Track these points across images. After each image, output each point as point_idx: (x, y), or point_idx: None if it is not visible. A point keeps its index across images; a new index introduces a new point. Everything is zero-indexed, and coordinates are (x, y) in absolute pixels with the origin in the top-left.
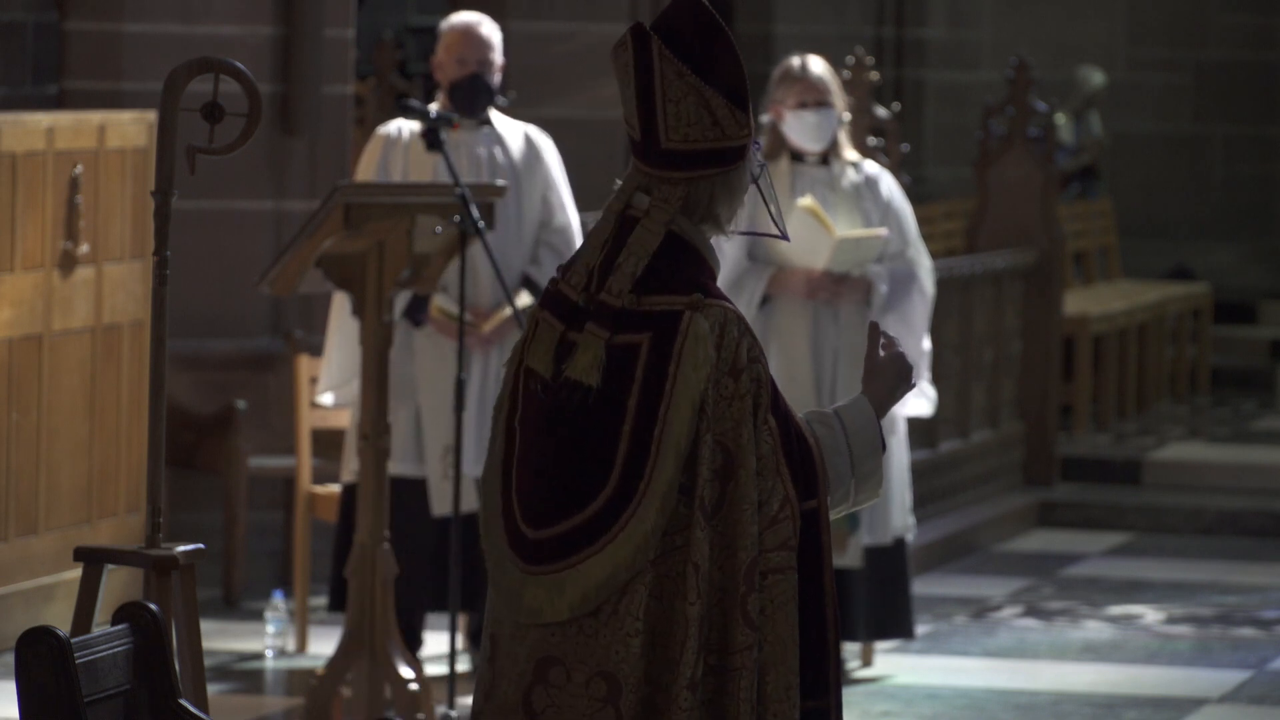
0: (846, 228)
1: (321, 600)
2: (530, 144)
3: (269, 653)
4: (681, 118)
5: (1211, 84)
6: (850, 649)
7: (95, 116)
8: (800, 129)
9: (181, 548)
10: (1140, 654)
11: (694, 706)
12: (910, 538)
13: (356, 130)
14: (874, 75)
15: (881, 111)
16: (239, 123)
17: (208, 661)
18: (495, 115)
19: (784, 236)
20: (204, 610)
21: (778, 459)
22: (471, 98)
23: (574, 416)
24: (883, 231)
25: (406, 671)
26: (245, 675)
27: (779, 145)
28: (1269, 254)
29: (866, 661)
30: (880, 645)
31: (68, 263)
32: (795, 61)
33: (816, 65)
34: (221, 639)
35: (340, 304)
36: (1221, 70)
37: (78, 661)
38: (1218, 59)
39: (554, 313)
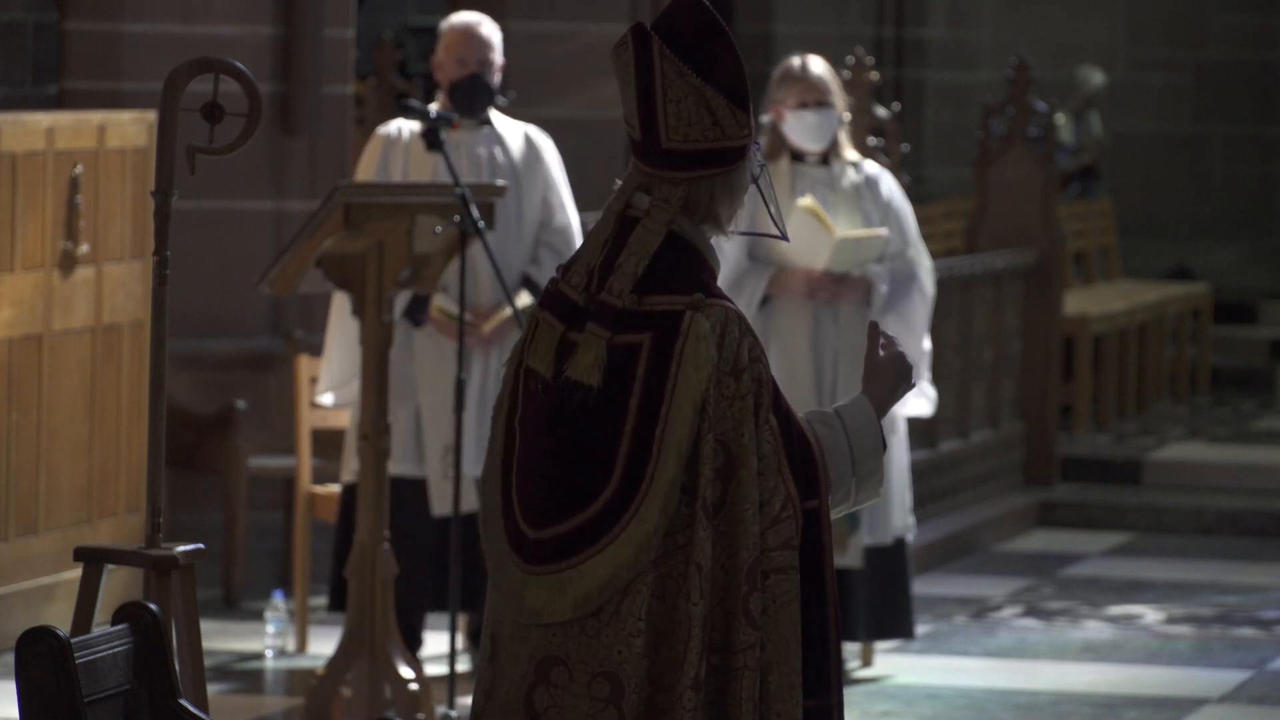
0: (847, 228)
1: (321, 600)
2: (530, 144)
3: (269, 653)
4: (682, 117)
5: (1211, 84)
6: (850, 649)
7: (95, 116)
8: (800, 129)
9: (181, 548)
10: (1140, 654)
11: (698, 706)
12: (910, 538)
13: (356, 130)
14: (874, 75)
15: (881, 111)
16: (239, 123)
17: (208, 661)
18: (495, 115)
19: (784, 237)
20: (204, 610)
21: (779, 458)
22: (471, 98)
23: (575, 416)
24: (883, 231)
25: (406, 671)
26: (245, 675)
27: (779, 145)
28: (1269, 254)
29: (866, 661)
30: (880, 645)
31: (68, 263)
32: (795, 61)
33: (817, 65)
34: (221, 639)
35: (340, 304)
36: (1221, 70)
37: (78, 661)
38: (1218, 59)
39: (554, 313)
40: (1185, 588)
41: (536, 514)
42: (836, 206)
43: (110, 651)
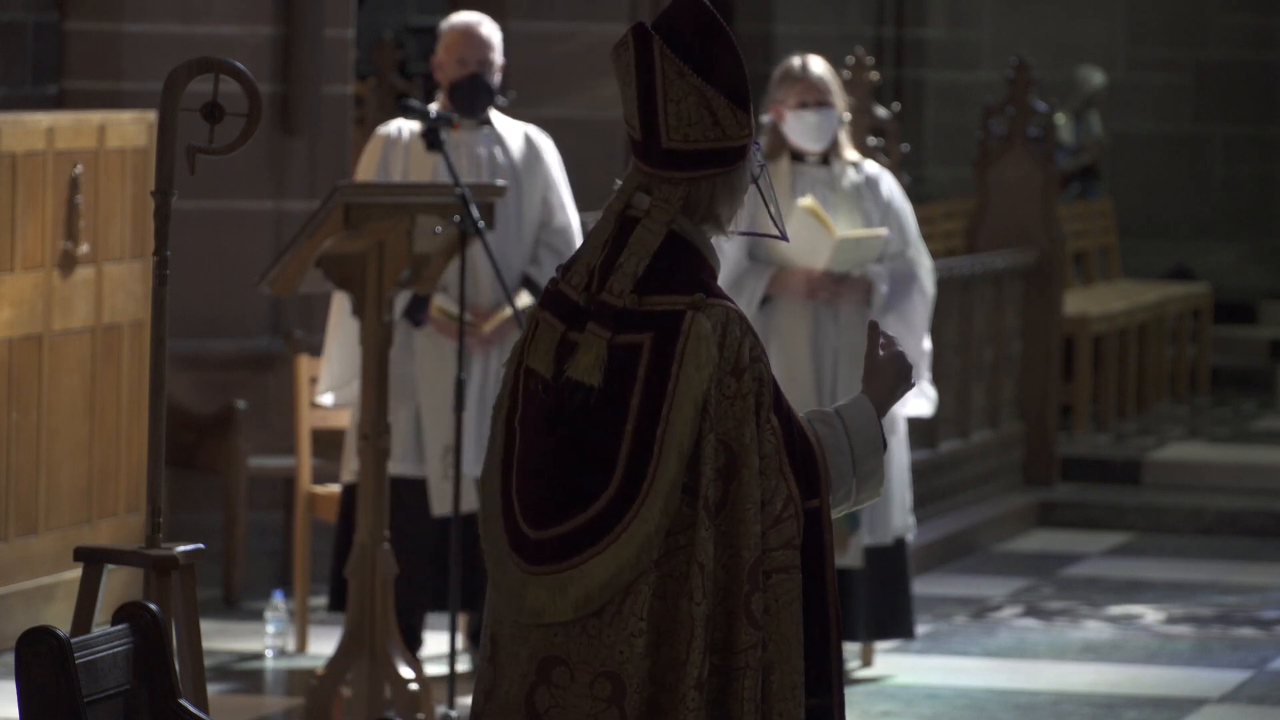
0: (847, 228)
1: (321, 600)
2: (530, 144)
3: (269, 653)
4: (682, 117)
5: (1211, 84)
6: (850, 649)
7: (95, 116)
8: (801, 129)
9: (181, 548)
10: (1140, 654)
11: (701, 706)
12: (910, 538)
13: (356, 130)
14: (874, 75)
15: (881, 111)
16: (239, 123)
17: (208, 661)
18: (495, 115)
19: (783, 237)
20: (204, 610)
21: (781, 458)
22: (471, 98)
23: (575, 416)
24: (883, 231)
25: (406, 671)
26: (245, 675)
27: (779, 145)
28: (1269, 254)
29: (866, 661)
30: (880, 645)
31: (68, 263)
32: (796, 61)
33: (817, 65)
34: (221, 639)
35: (340, 304)
36: (1221, 70)
37: (78, 661)
38: (1218, 59)
39: (554, 313)
40: (1185, 588)
41: (537, 514)
42: (837, 206)
43: (110, 651)
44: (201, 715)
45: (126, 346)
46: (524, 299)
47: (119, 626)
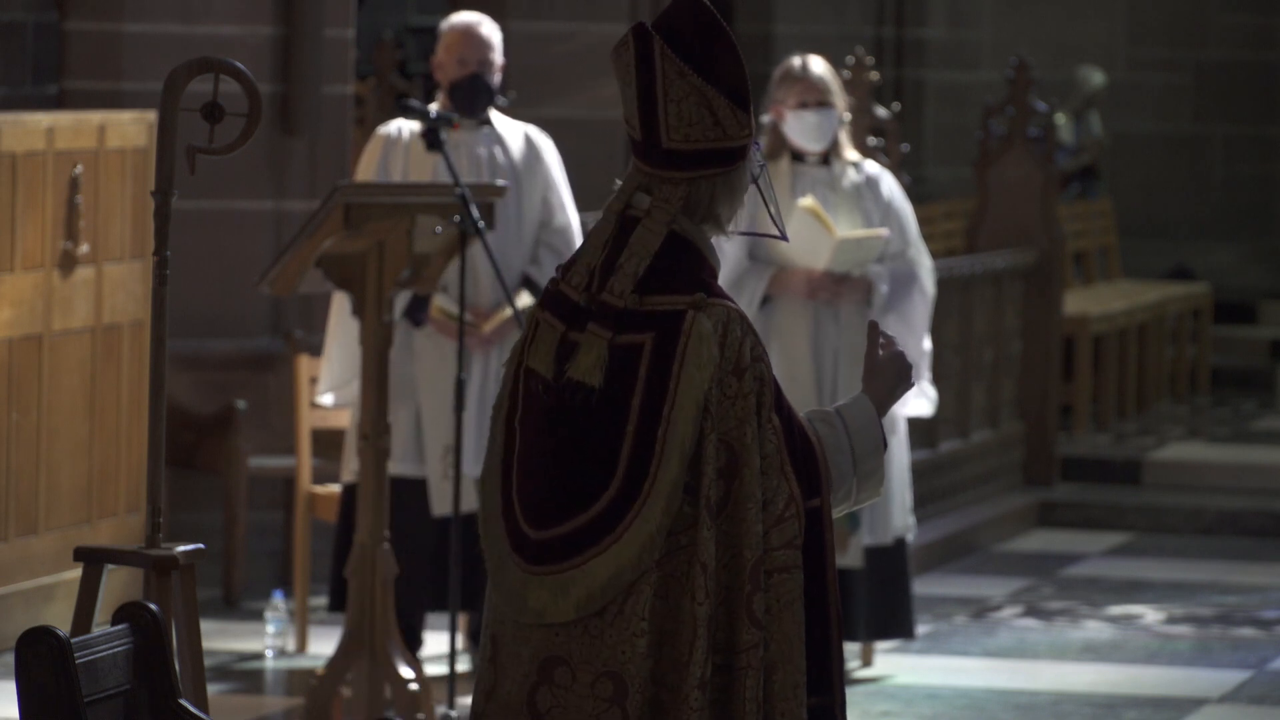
0: (847, 228)
1: (321, 600)
2: (530, 144)
3: (269, 653)
4: (683, 117)
5: (1211, 84)
6: (850, 649)
7: (95, 116)
8: (801, 129)
9: (181, 548)
10: (1140, 654)
11: (704, 706)
12: (910, 538)
13: (356, 130)
14: (874, 75)
15: (881, 111)
16: (239, 123)
17: (208, 661)
18: (495, 115)
19: (783, 237)
20: (204, 610)
21: (782, 458)
22: (471, 98)
23: (576, 417)
24: (883, 232)
25: (406, 671)
26: (245, 675)
27: (780, 145)
28: (1269, 254)
29: (866, 661)
30: (880, 645)
31: (68, 263)
32: (796, 61)
33: (817, 65)
34: (221, 639)
35: (340, 304)
36: (1221, 70)
37: (78, 661)
38: (1218, 59)
39: (555, 313)
40: (1185, 588)
41: (538, 514)
42: (837, 206)
43: (110, 651)
44: (201, 715)
45: (126, 346)
46: (524, 299)
47: (119, 626)
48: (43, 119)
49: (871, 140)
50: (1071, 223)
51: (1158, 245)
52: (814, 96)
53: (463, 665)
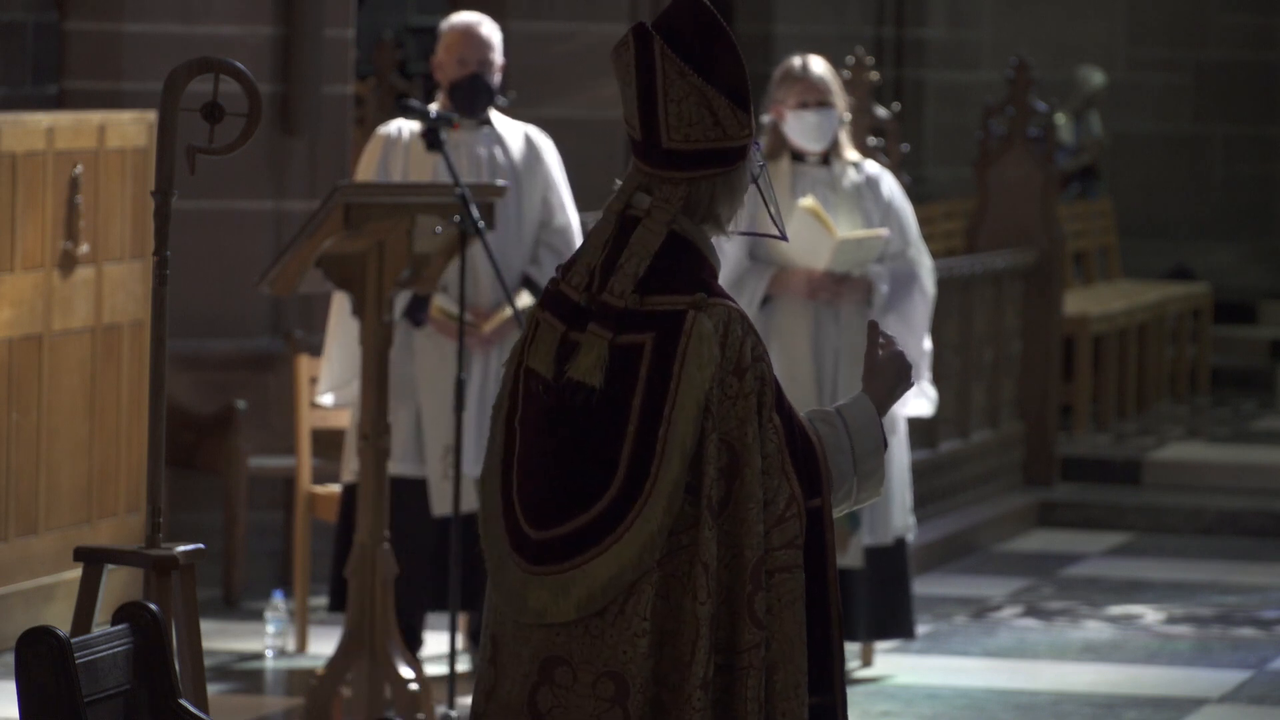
0: (847, 228)
1: (321, 600)
2: (530, 144)
3: (269, 653)
4: (683, 117)
5: (1211, 84)
6: (851, 649)
7: (95, 116)
8: (801, 129)
9: (181, 548)
10: (1140, 654)
11: (706, 706)
12: (910, 538)
13: (356, 130)
14: (874, 75)
15: (881, 111)
16: (239, 123)
17: (208, 661)
18: (495, 115)
19: (783, 237)
20: (204, 610)
21: (783, 457)
22: (471, 98)
23: (576, 417)
24: (884, 232)
25: (406, 671)
26: (245, 675)
27: (780, 145)
28: (1269, 254)
29: (867, 661)
30: (880, 645)
31: (68, 263)
32: (796, 61)
33: (817, 65)
34: (221, 639)
35: (340, 304)
36: (1221, 70)
37: (78, 661)
38: (1218, 59)
39: (555, 313)
40: (1185, 588)
41: (538, 514)
42: (837, 207)
43: (110, 651)
44: (201, 715)
45: (126, 346)
46: (524, 299)
47: (119, 626)
48: (43, 119)
49: (871, 140)
50: (1071, 223)
51: (1158, 245)
52: (814, 96)
53: (463, 665)
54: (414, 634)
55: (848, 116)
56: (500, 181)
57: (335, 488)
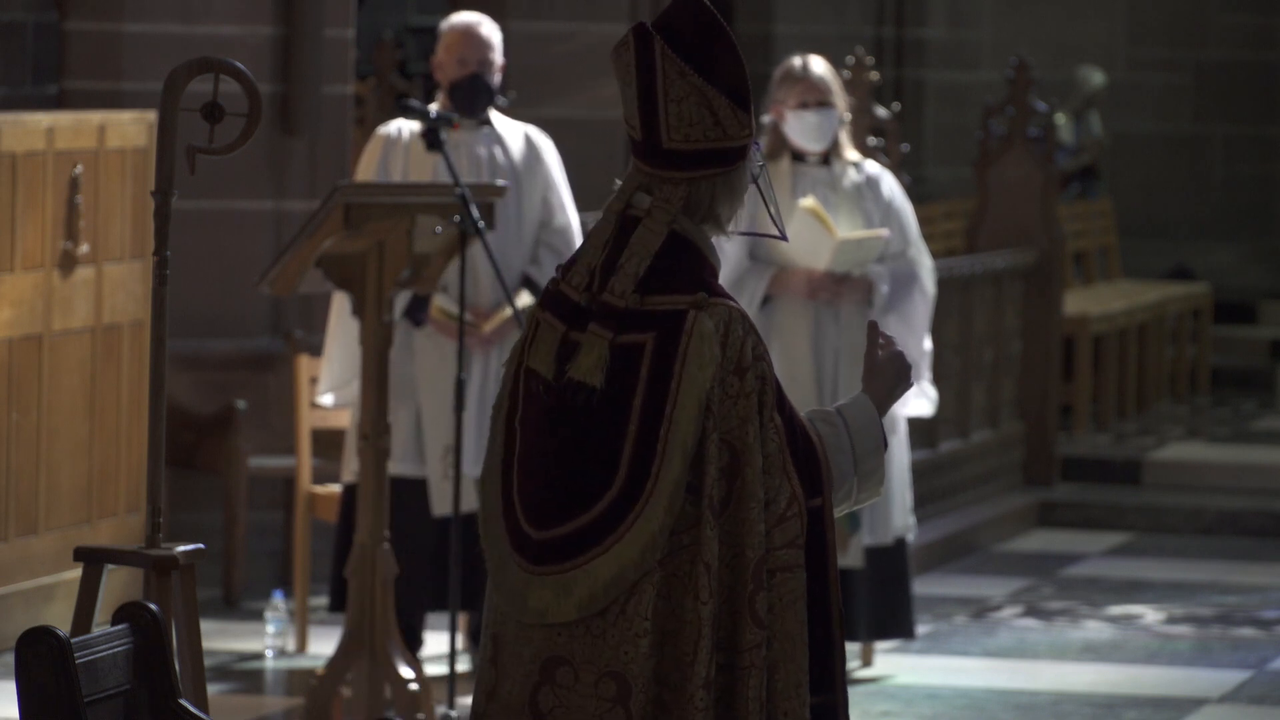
0: (848, 228)
1: (321, 600)
2: (530, 144)
3: (269, 653)
4: (683, 117)
5: (1211, 84)
6: (851, 649)
7: (95, 116)
8: (801, 129)
9: (181, 548)
10: (1140, 654)
11: (709, 706)
12: (911, 538)
13: (356, 130)
14: (874, 75)
15: (881, 111)
16: (239, 123)
17: (208, 661)
18: (495, 115)
19: (783, 237)
20: (204, 610)
21: (784, 457)
22: (471, 98)
23: (577, 417)
24: (884, 232)
25: (406, 671)
26: (245, 675)
27: (780, 145)
28: (1269, 254)
29: (867, 661)
30: (880, 645)
31: (68, 263)
32: (796, 61)
33: (817, 65)
34: (221, 639)
35: (340, 304)
36: (1221, 70)
37: (78, 661)
38: (1218, 59)
39: (555, 313)
40: (1185, 588)
41: (539, 514)
42: (837, 207)
43: (110, 651)
44: (201, 715)
45: (126, 346)
46: (524, 299)
47: (119, 626)
48: (43, 119)
49: (871, 140)
50: (1071, 223)
51: (1158, 245)
52: (814, 96)
53: (463, 665)
54: (414, 634)
55: (848, 116)
56: (500, 181)
57: (335, 488)
